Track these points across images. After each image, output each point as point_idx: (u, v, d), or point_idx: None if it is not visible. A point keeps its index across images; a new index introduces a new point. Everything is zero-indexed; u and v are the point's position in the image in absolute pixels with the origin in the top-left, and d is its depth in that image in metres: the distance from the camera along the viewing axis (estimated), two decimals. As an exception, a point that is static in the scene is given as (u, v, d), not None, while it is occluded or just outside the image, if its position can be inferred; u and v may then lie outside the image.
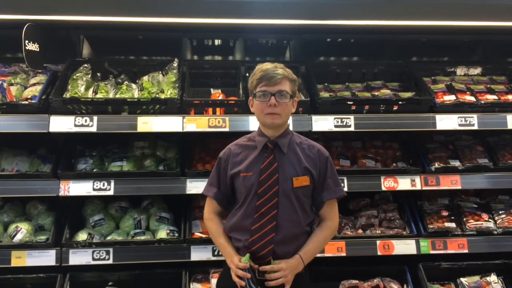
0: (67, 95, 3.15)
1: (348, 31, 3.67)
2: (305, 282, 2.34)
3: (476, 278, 3.31)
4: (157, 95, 3.21)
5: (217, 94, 3.45)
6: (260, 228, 2.20)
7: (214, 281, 3.09)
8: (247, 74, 3.41)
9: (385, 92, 3.46)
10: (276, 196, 2.20)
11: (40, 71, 3.40)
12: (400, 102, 3.25)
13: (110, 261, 3.06)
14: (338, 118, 3.15)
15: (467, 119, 3.23)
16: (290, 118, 2.94)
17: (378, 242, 3.21)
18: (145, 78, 3.41)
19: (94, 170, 3.29)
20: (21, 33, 3.01)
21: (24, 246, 3.05)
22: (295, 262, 2.21)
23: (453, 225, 3.34)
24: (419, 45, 3.97)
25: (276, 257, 2.20)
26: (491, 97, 3.41)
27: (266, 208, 2.20)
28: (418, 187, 3.26)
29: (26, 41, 3.05)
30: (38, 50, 3.19)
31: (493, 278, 3.28)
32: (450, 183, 3.27)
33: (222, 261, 2.39)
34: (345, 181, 3.17)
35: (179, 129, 3.05)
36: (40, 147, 3.47)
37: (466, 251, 3.25)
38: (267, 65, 2.25)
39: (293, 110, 2.30)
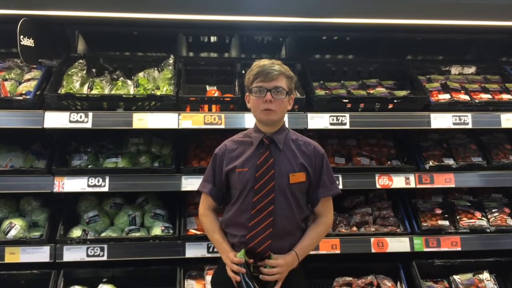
0: (62, 91, 3.13)
1: (343, 29, 3.68)
2: (299, 278, 2.35)
3: (469, 275, 3.33)
4: (152, 92, 3.20)
5: (212, 91, 3.45)
6: (257, 224, 2.21)
7: (208, 278, 3.09)
8: (243, 71, 3.41)
9: (380, 90, 3.47)
10: (273, 192, 2.21)
11: (34, 66, 3.38)
12: (395, 101, 3.25)
13: (105, 258, 3.06)
14: (333, 116, 3.16)
15: (461, 117, 3.25)
16: (286, 115, 2.95)
17: (372, 239, 3.22)
18: (141, 74, 3.40)
19: (89, 167, 3.28)
20: (16, 28, 2.98)
21: (18, 242, 3.04)
22: (291, 258, 2.22)
23: (446, 223, 3.37)
24: (414, 43, 3.99)
25: (272, 252, 2.21)
26: (485, 96, 3.43)
27: (263, 204, 2.21)
28: (412, 185, 3.27)
29: (21, 36, 3.03)
30: (33, 45, 3.16)
31: (485, 275, 3.31)
32: (444, 181, 3.29)
33: (217, 258, 2.40)
34: (340, 178, 3.18)
35: (175, 126, 3.04)
36: (34, 143, 3.45)
37: (459, 248, 3.27)
38: (264, 61, 2.26)
39: (289, 107, 2.31)
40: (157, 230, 3.21)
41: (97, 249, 3.06)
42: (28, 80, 3.28)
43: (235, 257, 2.19)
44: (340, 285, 3.22)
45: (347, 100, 3.23)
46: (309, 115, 3.15)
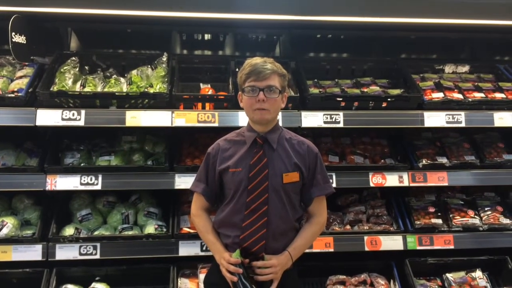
0: (55, 88, 3.11)
1: (338, 27, 3.67)
2: (293, 278, 2.34)
3: (462, 273, 3.34)
4: (146, 89, 3.18)
5: (206, 89, 3.44)
6: (251, 225, 2.20)
7: (202, 276, 3.08)
8: (237, 69, 3.39)
9: (374, 88, 3.48)
10: (266, 192, 2.20)
11: (27, 63, 3.35)
12: (389, 99, 3.26)
13: (97, 256, 3.05)
14: (327, 114, 3.15)
15: (454, 116, 3.25)
16: (280, 114, 2.94)
17: (365, 237, 3.23)
18: (134, 72, 3.38)
19: (82, 165, 3.26)
20: (8, 25, 2.96)
21: (10, 240, 3.02)
22: (285, 258, 2.21)
23: (439, 221, 3.38)
24: (408, 42, 3.99)
25: (265, 253, 2.20)
26: (478, 95, 3.44)
27: (256, 204, 2.19)
28: (405, 183, 3.28)
29: (13, 33, 3.00)
30: (25, 42, 3.14)
31: (478, 273, 3.32)
32: (437, 179, 3.30)
33: (211, 256, 2.39)
34: (334, 177, 3.18)
35: (168, 124, 3.03)
36: (26, 141, 3.43)
37: (452, 247, 3.29)
38: (256, 60, 2.23)
39: (282, 105, 2.29)
40: (150, 229, 3.19)
41: (90, 248, 3.05)
42: (20, 77, 3.25)
43: (230, 257, 2.18)
44: (333, 283, 3.22)
45: (341, 99, 3.23)
46: (303, 113, 3.14)
